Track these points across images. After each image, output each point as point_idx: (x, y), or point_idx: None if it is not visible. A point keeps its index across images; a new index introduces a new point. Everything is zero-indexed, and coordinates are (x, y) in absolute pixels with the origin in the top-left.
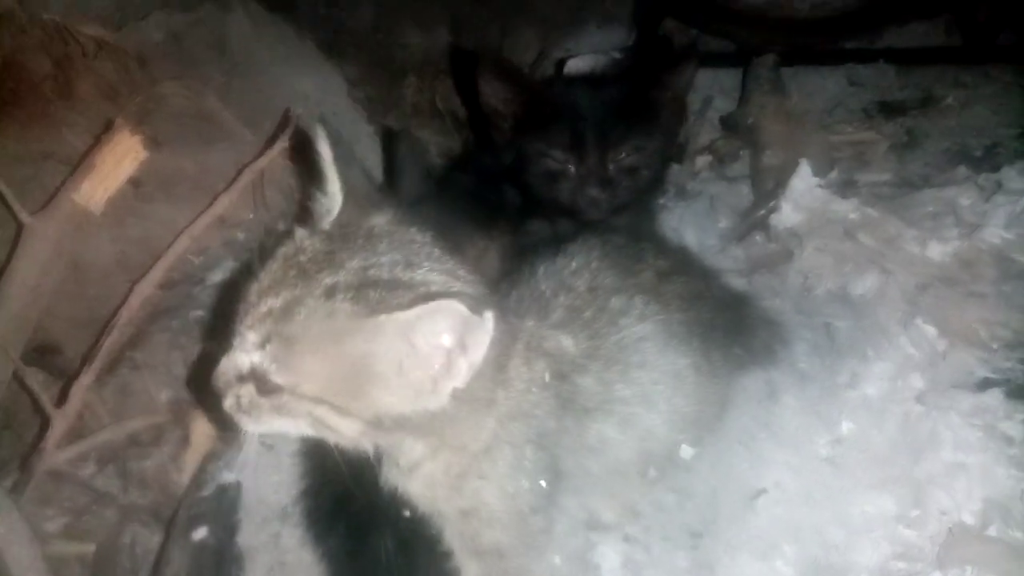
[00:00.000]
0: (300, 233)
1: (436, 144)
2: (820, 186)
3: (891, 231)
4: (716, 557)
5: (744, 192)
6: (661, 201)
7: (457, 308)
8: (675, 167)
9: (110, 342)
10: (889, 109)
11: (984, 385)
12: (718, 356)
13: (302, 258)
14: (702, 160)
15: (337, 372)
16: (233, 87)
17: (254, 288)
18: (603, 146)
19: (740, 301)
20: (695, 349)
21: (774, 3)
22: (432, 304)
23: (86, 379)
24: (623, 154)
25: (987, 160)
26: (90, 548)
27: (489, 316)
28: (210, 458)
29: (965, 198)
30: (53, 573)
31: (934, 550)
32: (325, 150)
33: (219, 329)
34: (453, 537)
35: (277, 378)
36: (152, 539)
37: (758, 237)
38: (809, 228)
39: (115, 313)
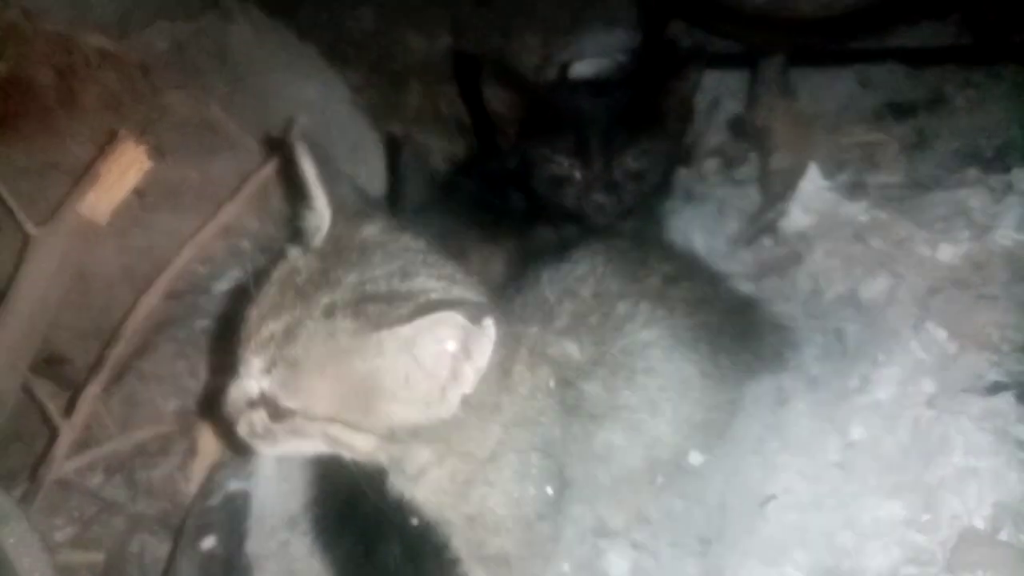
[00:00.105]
0: (293, 253)
1: (440, 149)
2: (829, 188)
3: (901, 233)
4: (725, 563)
5: (752, 195)
6: (668, 205)
7: (456, 319)
8: (682, 170)
9: (117, 352)
10: (899, 110)
11: (995, 389)
12: (726, 361)
13: (298, 279)
14: (710, 163)
15: (345, 390)
16: (236, 96)
17: (254, 313)
18: (608, 151)
19: (749, 305)
20: (703, 355)
21: (781, 4)
22: (431, 317)
23: (93, 389)
24: (629, 158)
25: (998, 161)
26: (99, 557)
27: (489, 323)
28: (217, 467)
29: (976, 200)
30: None
31: (945, 555)
32: (308, 167)
33: (224, 349)
34: (460, 544)
35: (287, 402)
36: (160, 548)
37: (767, 240)
38: (818, 231)
39: (121, 323)
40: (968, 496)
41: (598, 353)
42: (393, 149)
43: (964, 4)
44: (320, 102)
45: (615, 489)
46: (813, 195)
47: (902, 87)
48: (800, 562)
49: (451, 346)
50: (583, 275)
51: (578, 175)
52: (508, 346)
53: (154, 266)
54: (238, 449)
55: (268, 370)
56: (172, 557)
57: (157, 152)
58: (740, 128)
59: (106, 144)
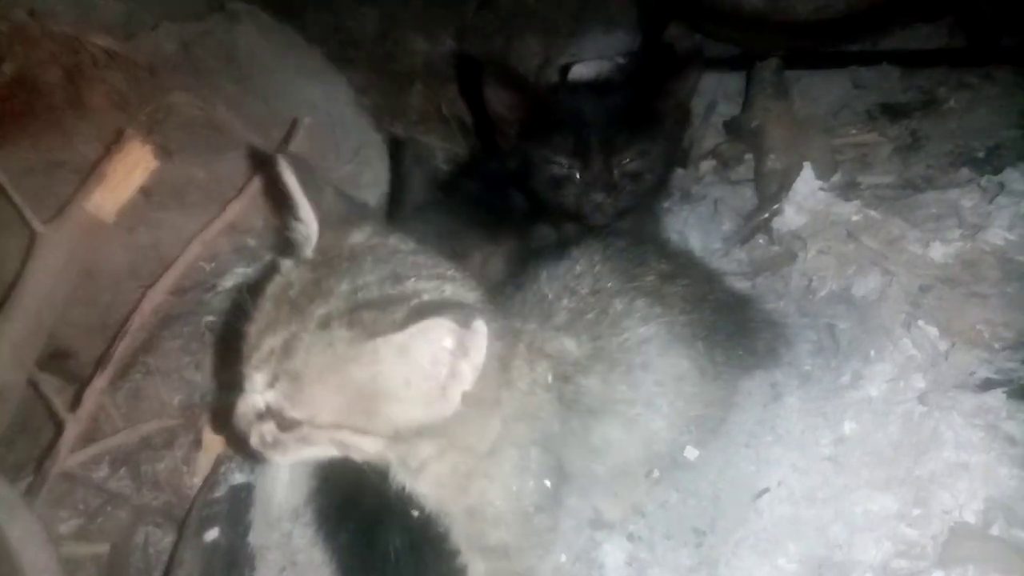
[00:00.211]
0: (285, 266)
1: (442, 150)
2: (823, 189)
3: (894, 233)
4: (719, 555)
5: (748, 195)
6: (665, 205)
7: (447, 324)
8: (679, 171)
9: (123, 347)
10: (892, 111)
11: (986, 385)
12: (722, 358)
13: (291, 292)
14: (706, 164)
15: (348, 398)
16: (242, 96)
17: (252, 329)
18: (607, 151)
19: (744, 303)
20: (698, 351)
21: (777, 7)
22: (422, 323)
23: (99, 384)
24: (627, 159)
25: (990, 162)
26: (104, 549)
27: (479, 324)
28: (222, 460)
29: (968, 199)
30: (68, 574)
31: (936, 549)
32: (290, 180)
33: (228, 347)
34: (460, 536)
35: (292, 413)
36: (165, 540)
37: (761, 240)
38: (812, 230)
39: (127, 319)
40: (959, 491)
41: (596, 349)
42: (396, 150)
43: (957, 7)
44: (324, 103)
45: (612, 482)
46: (807, 195)
47: (895, 89)
48: (792, 554)
49: (447, 347)
50: (581, 273)
51: (578, 176)
52: (507, 342)
53: (160, 263)
54: (251, 456)
55: (271, 384)
56: (176, 548)
57: (163, 151)
58: (736, 129)
59: (113, 143)
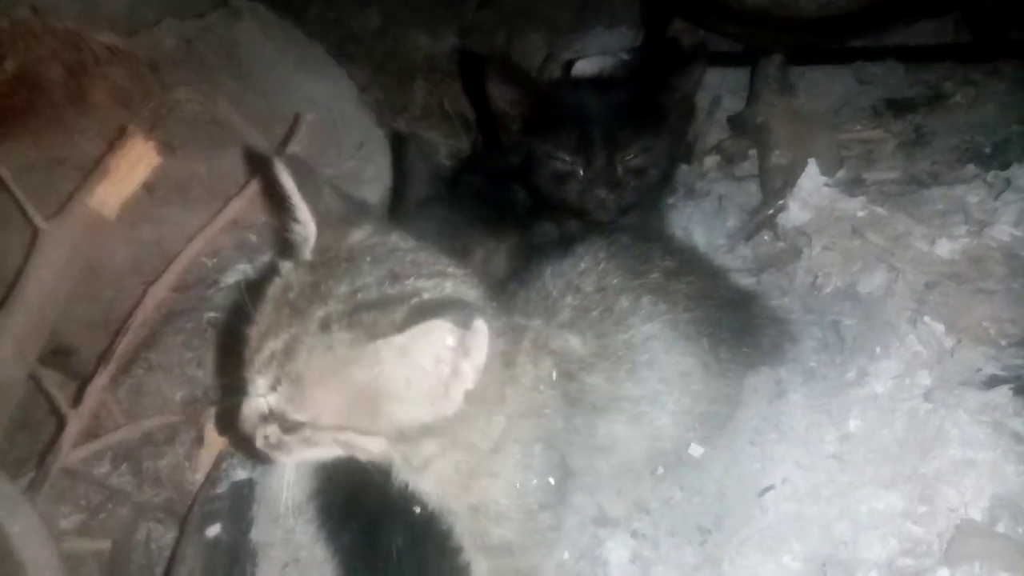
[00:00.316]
0: (285, 268)
1: (445, 146)
2: (828, 184)
3: (899, 229)
4: (724, 552)
5: (752, 191)
6: (670, 201)
7: (447, 325)
8: (683, 167)
9: (125, 343)
10: (898, 107)
11: (992, 382)
12: (727, 355)
13: (291, 295)
14: (710, 160)
15: (350, 399)
16: (244, 92)
17: (253, 332)
18: (611, 147)
19: (749, 300)
20: (703, 348)
21: (781, 2)
22: (422, 325)
23: (101, 380)
24: (631, 155)
25: (996, 157)
26: (105, 545)
27: (479, 324)
28: (224, 456)
29: (974, 195)
30: (69, 570)
31: (941, 546)
32: (287, 182)
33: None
34: (463, 533)
35: (295, 415)
36: (167, 536)
37: (766, 236)
38: (817, 226)
39: (130, 315)
40: (965, 488)
41: (600, 346)
42: (399, 146)
43: (963, 2)
44: (327, 99)
45: (616, 479)
46: (812, 191)
47: (901, 84)
48: (797, 552)
49: (449, 345)
50: (585, 269)
51: (581, 172)
52: (510, 339)
53: (162, 259)
54: (256, 457)
55: (274, 388)
56: (178, 545)
57: (165, 147)
58: (740, 125)
59: (115, 139)
